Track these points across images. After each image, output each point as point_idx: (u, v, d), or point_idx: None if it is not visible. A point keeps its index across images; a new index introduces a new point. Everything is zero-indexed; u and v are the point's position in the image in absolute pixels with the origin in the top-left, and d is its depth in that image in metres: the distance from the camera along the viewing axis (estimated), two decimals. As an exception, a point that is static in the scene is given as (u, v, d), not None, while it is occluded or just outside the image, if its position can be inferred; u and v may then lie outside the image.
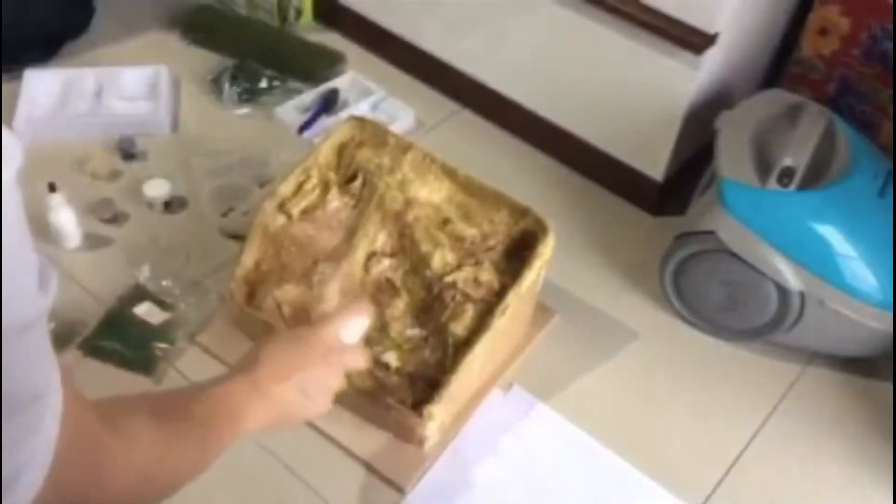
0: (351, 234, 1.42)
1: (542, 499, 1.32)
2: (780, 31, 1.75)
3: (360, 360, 0.87)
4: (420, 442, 1.31)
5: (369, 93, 1.96)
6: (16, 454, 0.45)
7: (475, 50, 1.91)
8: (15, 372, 0.44)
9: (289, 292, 1.37)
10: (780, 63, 1.78)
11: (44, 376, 0.47)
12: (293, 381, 0.79)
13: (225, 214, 1.66)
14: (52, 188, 1.53)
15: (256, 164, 1.75)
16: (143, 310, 1.48)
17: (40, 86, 1.88)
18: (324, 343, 0.83)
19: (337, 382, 0.84)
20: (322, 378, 0.82)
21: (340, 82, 1.98)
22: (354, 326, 0.87)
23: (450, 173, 1.43)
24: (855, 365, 1.53)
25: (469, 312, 1.32)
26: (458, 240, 1.39)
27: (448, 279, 1.35)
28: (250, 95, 1.93)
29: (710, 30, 1.49)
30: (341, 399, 1.34)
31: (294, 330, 0.86)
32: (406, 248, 1.40)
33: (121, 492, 0.59)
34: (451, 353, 1.30)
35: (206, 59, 2.06)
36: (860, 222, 1.41)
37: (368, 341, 1.34)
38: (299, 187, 1.44)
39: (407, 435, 1.31)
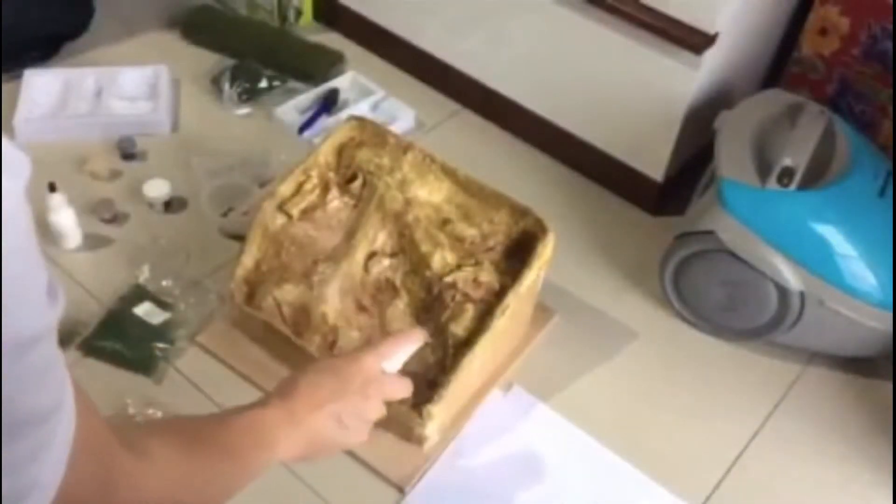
0: (351, 234, 1.42)
1: (542, 499, 1.32)
2: (780, 31, 1.75)
3: (400, 391, 0.85)
4: (420, 442, 1.31)
5: (369, 93, 1.96)
6: (22, 473, 0.44)
7: (475, 50, 1.91)
8: (24, 387, 0.43)
9: (289, 292, 1.37)
10: (780, 63, 1.78)
11: (56, 392, 0.46)
12: (328, 410, 0.77)
13: (225, 214, 1.66)
14: (52, 188, 1.53)
15: (256, 164, 1.75)
16: (143, 310, 1.48)
17: (40, 86, 1.88)
18: (364, 373, 0.81)
19: (375, 413, 0.82)
20: (359, 408, 0.80)
21: (340, 82, 1.98)
22: (399, 357, 0.86)
23: (450, 173, 1.43)
24: (855, 365, 1.53)
25: (469, 313, 1.32)
26: (458, 240, 1.39)
27: (448, 279, 1.35)
28: (250, 95, 1.93)
29: (710, 30, 1.49)
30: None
31: (335, 358, 0.84)
32: (406, 248, 1.40)
33: None
34: (451, 353, 1.30)
35: (206, 59, 2.06)
36: (860, 222, 1.41)
37: (368, 341, 1.34)
38: (299, 187, 1.44)
39: (407, 435, 1.31)
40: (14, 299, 0.40)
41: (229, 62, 2.00)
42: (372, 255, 1.40)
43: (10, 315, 0.40)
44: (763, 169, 1.41)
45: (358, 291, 1.38)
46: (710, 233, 1.44)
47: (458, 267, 1.37)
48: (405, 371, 1.31)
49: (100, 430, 0.53)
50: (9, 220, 0.40)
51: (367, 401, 0.80)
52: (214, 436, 0.70)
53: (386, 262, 1.40)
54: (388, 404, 1.21)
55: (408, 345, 0.87)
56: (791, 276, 1.40)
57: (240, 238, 1.50)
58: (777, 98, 1.57)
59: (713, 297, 1.51)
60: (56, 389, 0.46)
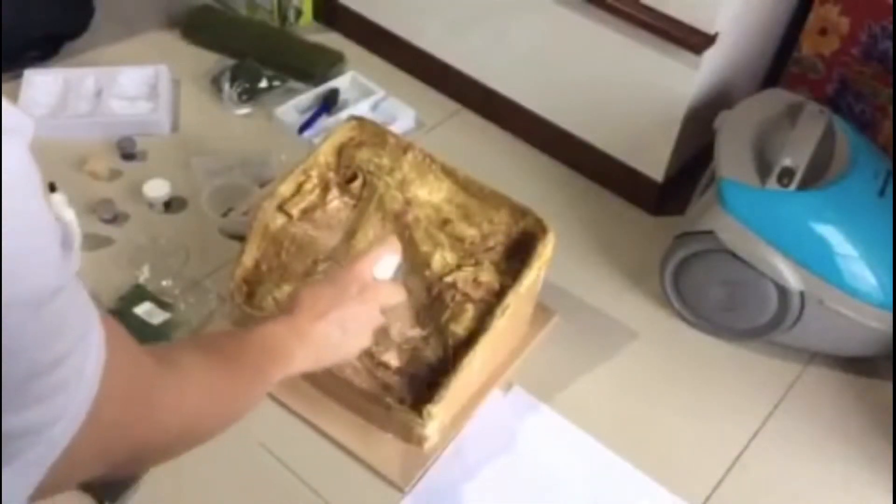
0: (351, 234, 1.42)
1: (541, 499, 1.32)
2: (780, 31, 1.75)
3: (395, 295, 0.91)
4: (420, 442, 1.31)
5: (369, 93, 1.96)
6: (51, 404, 0.45)
7: (475, 50, 1.91)
8: (45, 336, 0.44)
9: (289, 292, 1.37)
10: (780, 63, 1.78)
11: (79, 327, 0.47)
12: (331, 318, 0.82)
13: (225, 214, 1.66)
14: (52, 188, 1.53)
15: (256, 164, 1.75)
16: (143, 310, 1.48)
17: (40, 86, 1.88)
18: (358, 280, 0.87)
19: (374, 318, 0.88)
20: (359, 314, 0.86)
21: (340, 82, 1.98)
22: (386, 263, 0.92)
23: (450, 173, 1.43)
24: (855, 365, 1.53)
25: (469, 312, 1.32)
26: (458, 240, 1.39)
27: (448, 279, 1.35)
28: (250, 95, 1.93)
29: (710, 30, 1.49)
30: (341, 399, 1.35)
31: (330, 273, 0.91)
32: (406, 248, 1.40)
33: (174, 430, 0.59)
34: (451, 353, 1.30)
35: (206, 59, 2.06)
36: (860, 222, 1.41)
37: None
38: (299, 187, 1.44)
39: (407, 435, 1.31)
40: (26, 257, 0.41)
41: (229, 62, 2.00)
42: (372, 255, 1.40)
43: (23, 272, 0.41)
44: (763, 169, 1.41)
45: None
46: (709, 233, 1.44)
47: (458, 267, 1.37)
48: (406, 372, 1.31)
49: (132, 350, 0.54)
50: (14, 179, 0.40)
51: (365, 305, 0.86)
52: (236, 353, 0.73)
53: (386, 262, 1.40)
54: (389, 406, 1.22)
55: (390, 252, 0.93)
56: (791, 276, 1.40)
57: (240, 238, 1.50)
58: (777, 98, 1.57)
59: (713, 297, 1.51)
60: (79, 325, 0.47)
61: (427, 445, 1.32)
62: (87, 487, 1.26)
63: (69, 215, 1.56)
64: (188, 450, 0.64)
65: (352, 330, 0.85)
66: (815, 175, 1.41)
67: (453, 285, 1.35)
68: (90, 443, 0.48)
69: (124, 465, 0.56)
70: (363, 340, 0.88)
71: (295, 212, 1.43)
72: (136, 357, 0.55)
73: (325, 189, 1.46)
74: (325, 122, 1.88)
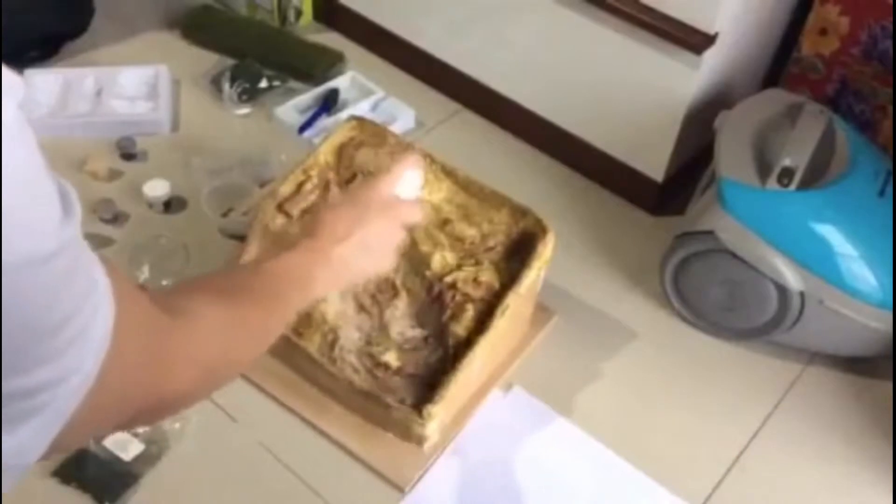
0: (351, 234, 1.41)
1: (542, 499, 1.32)
2: (780, 31, 1.75)
3: (415, 213, 0.89)
4: (420, 442, 1.31)
5: (369, 93, 1.96)
6: (62, 361, 0.44)
7: (475, 50, 1.91)
8: (46, 298, 0.43)
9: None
10: (780, 63, 1.78)
11: (84, 285, 0.46)
12: (354, 239, 0.81)
13: (225, 214, 1.66)
14: (52, 188, 1.53)
15: (256, 164, 1.75)
16: (144, 310, 1.48)
17: (40, 86, 1.88)
18: (379, 198, 0.85)
19: (397, 236, 0.87)
20: (381, 233, 0.84)
21: (340, 82, 1.98)
22: (409, 180, 0.90)
23: (450, 173, 1.43)
24: (855, 365, 1.53)
25: (469, 313, 1.32)
26: (458, 240, 1.39)
27: (448, 279, 1.35)
28: (250, 95, 1.93)
29: (710, 30, 1.49)
30: (341, 399, 1.35)
31: (351, 190, 0.89)
32: (406, 248, 1.40)
33: (193, 379, 0.58)
34: (451, 353, 1.30)
35: (206, 59, 2.06)
36: (860, 222, 1.41)
37: (368, 341, 1.34)
38: (299, 187, 1.44)
39: (407, 435, 1.31)
40: (21, 218, 0.40)
41: (229, 62, 2.00)
42: (372, 255, 1.40)
43: (19, 234, 0.40)
44: (763, 169, 1.41)
45: (358, 291, 1.38)
46: (709, 233, 1.44)
47: (458, 267, 1.37)
48: (406, 372, 1.31)
49: (141, 304, 0.53)
50: (11, 133, 0.39)
51: (387, 222, 0.85)
52: (251, 284, 0.72)
53: (386, 262, 1.40)
54: (389, 406, 1.22)
55: (412, 168, 0.91)
56: (791, 276, 1.39)
57: (240, 238, 1.50)
58: (777, 98, 1.57)
59: (713, 296, 1.51)
60: (84, 284, 0.46)
61: (427, 445, 1.32)
62: (87, 487, 1.26)
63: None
64: (216, 389, 0.64)
65: (375, 249, 0.84)
66: (815, 175, 1.41)
67: (453, 285, 1.35)
68: (105, 399, 0.48)
69: (149, 415, 0.55)
70: (386, 260, 0.87)
71: (295, 212, 1.43)
72: (146, 310, 0.54)
73: (325, 189, 1.46)
74: (325, 122, 1.88)
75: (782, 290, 1.42)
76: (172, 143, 1.84)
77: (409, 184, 0.90)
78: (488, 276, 1.35)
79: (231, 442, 1.34)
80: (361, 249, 0.82)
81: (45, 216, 0.43)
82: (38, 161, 0.43)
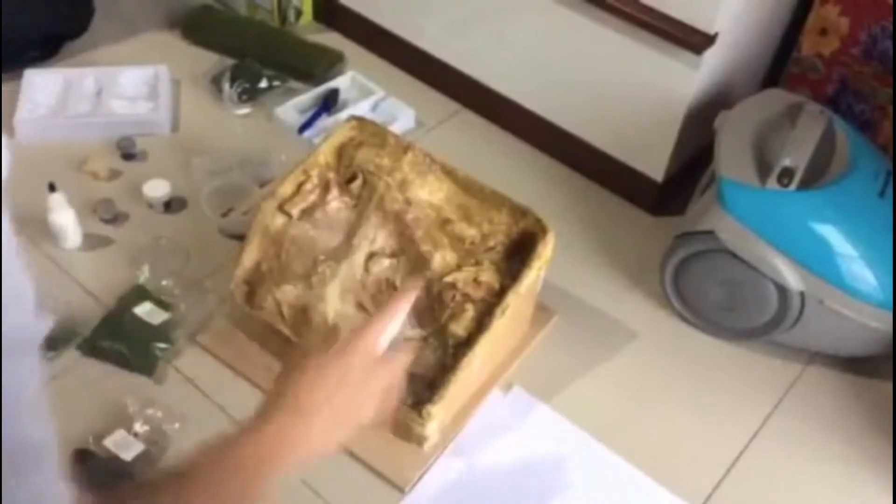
0: (351, 234, 1.42)
1: (541, 498, 1.32)
2: (780, 31, 1.75)
3: (400, 371, 0.78)
4: (420, 442, 1.31)
5: (369, 93, 1.96)
6: None
7: (475, 50, 1.91)
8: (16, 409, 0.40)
9: (289, 292, 1.37)
10: (780, 63, 1.78)
11: (41, 434, 0.43)
12: (325, 413, 0.70)
13: (225, 214, 1.66)
14: (52, 188, 1.53)
15: (256, 164, 1.75)
16: (143, 310, 1.48)
17: (40, 86, 1.88)
18: (363, 359, 0.74)
19: (374, 403, 0.75)
20: (358, 403, 0.73)
21: (340, 82, 1.98)
22: (397, 322, 0.78)
23: (450, 173, 1.43)
24: (855, 365, 1.53)
25: (469, 312, 1.32)
26: (458, 240, 1.39)
27: (448, 279, 1.35)
28: (250, 95, 1.93)
29: (710, 30, 1.49)
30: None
31: (328, 351, 0.74)
32: (406, 248, 1.40)
33: None
34: (451, 353, 1.30)
35: (206, 59, 2.06)
36: (860, 222, 1.41)
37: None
38: (299, 187, 1.44)
39: (407, 435, 1.31)
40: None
41: (229, 62, 2.00)
42: (372, 256, 1.40)
43: None
44: (763, 169, 1.41)
45: (358, 291, 1.38)
46: (709, 233, 1.44)
47: (458, 267, 1.37)
48: (406, 371, 1.31)
49: None
50: None
51: (366, 390, 0.74)
52: (208, 486, 0.65)
53: (386, 262, 1.40)
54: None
55: (403, 306, 0.79)
56: (791, 276, 1.39)
57: (240, 238, 1.50)
58: (777, 98, 1.57)
59: (713, 296, 1.51)
60: (42, 431, 0.43)
61: (427, 445, 1.32)
62: (87, 487, 1.26)
63: (69, 215, 1.56)
64: None
65: (346, 423, 0.72)
66: (815, 175, 1.41)
67: (453, 285, 1.35)
68: None
69: None
70: (351, 432, 0.73)
71: (295, 212, 1.43)
72: None
73: (325, 189, 1.46)
74: (325, 122, 1.88)
75: (782, 291, 1.42)
76: (172, 143, 1.84)
77: (396, 325, 0.79)
78: (488, 276, 1.35)
79: (231, 442, 1.34)
80: (332, 424, 0.71)
81: (17, 305, 0.40)
82: (14, 250, 0.40)
